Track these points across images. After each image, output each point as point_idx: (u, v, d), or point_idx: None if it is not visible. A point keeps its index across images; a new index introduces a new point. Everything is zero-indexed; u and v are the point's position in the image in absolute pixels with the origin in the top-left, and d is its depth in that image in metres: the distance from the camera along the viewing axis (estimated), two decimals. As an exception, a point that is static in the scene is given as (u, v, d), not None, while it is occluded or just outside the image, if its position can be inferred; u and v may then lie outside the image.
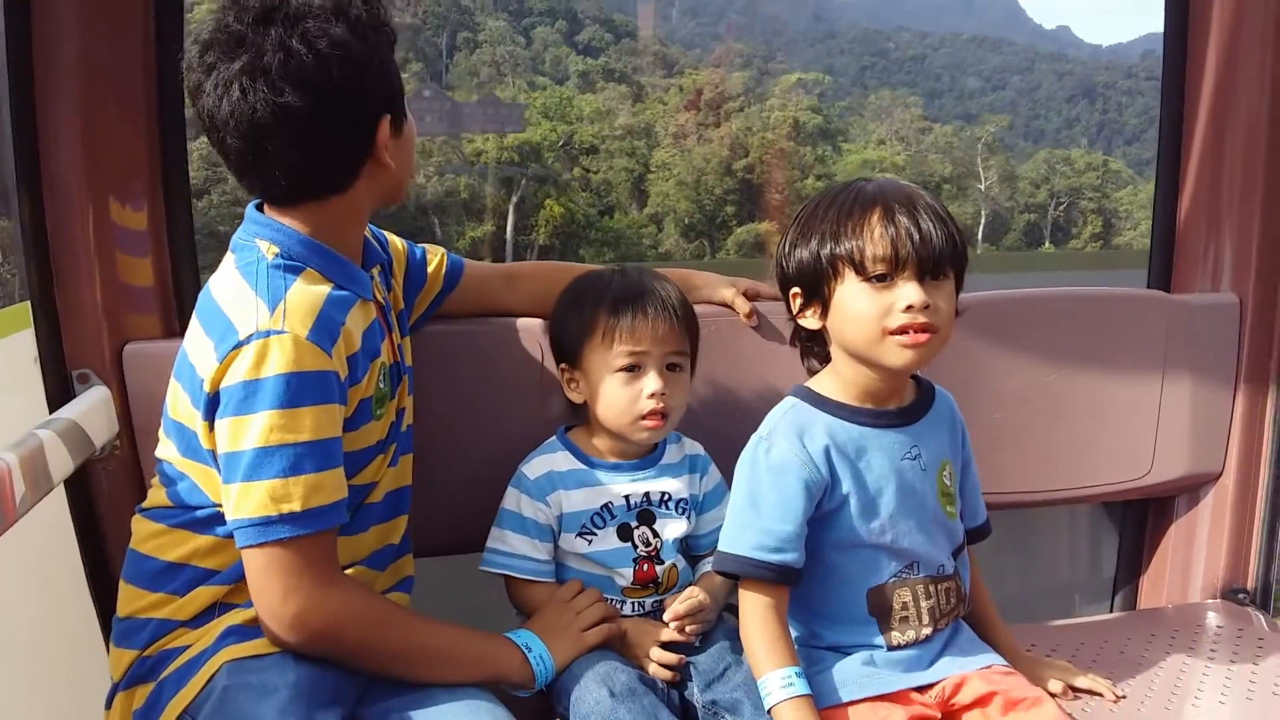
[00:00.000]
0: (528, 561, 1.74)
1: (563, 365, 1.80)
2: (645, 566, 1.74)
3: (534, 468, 1.77)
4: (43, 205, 1.85)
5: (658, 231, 51.95)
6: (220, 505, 1.46)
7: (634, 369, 1.70)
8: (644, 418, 1.70)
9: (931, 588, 1.62)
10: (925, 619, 1.61)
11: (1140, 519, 2.43)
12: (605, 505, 1.74)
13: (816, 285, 1.57)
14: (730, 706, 1.60)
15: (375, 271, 1.66)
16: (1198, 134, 2.34)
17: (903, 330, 1.50)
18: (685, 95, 57.19)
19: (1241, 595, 2.26)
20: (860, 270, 1.51)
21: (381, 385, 1.57)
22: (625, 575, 1.74)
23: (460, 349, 1.94)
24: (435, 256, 1.89)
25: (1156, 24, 2.47)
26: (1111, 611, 2.47)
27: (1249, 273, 2.30)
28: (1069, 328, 2.21)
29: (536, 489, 1.74)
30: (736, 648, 1.66)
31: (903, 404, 1.65)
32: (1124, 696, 1.80)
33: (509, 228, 47.98)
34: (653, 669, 1.65)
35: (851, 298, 1.53)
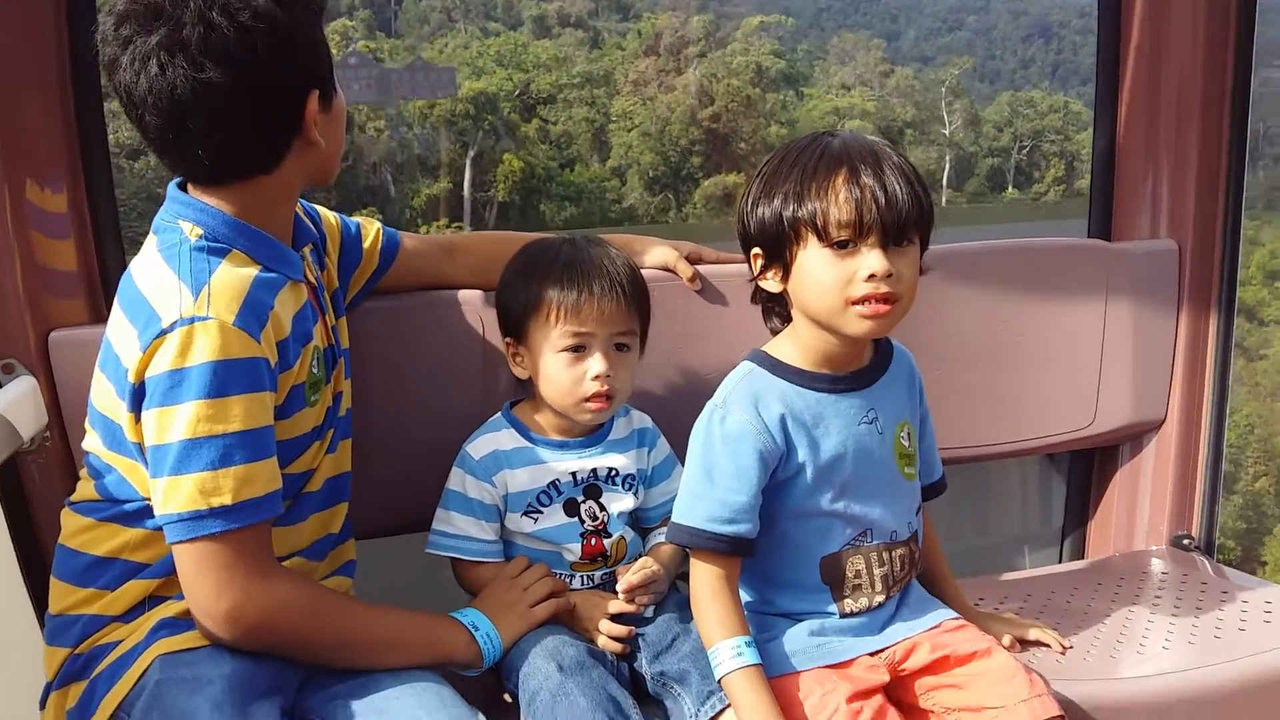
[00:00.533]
0: (475, 543, 1.72)
1: (508, 339, 1.76)
2: (593, 541, 1.73)
3: (478, 447, 1.74)
4: (-46, 191, 1.78)
5: (621, 185, 49.73)
6: (149, 499, 1.42)
7: (579, 349, 1.67)
8: (588, 399, 1.68)
9: (885, 554, 1.62)
10: (878, 586, 1.61)
11: (1086, 469, 2.46)
12: (552, 483, 1.72)
13: (778, 248, 1.53)
14: (678, 677, 1.59)
15: (307, 250, 1.61)
16: (1129, 84, 2.35)
17: (864, 300, 1.48)
18: (645, 40, 54.15)
19: (1187, 541, 2.30)
20: (822, 236, 1.48)
21: (315, 370, 1.53)
22: (573, 550, 1.73)
23: (398, 324, 1.90)
24: (370, 231, 1.83)
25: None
26: (1060, 561, 2.51)
27: (1187, 220, 2.32)
28: (1011, 280, 2.22)
29: (481, 469, 1.72)
30: (685, 618, 1.65)
31: (861, 366, 1.64)
32: (1071, 646, 1.82)
33: (466, 183, 45.29)
34: (602, 641, 1.64)
35: (812, 264, 1.50)
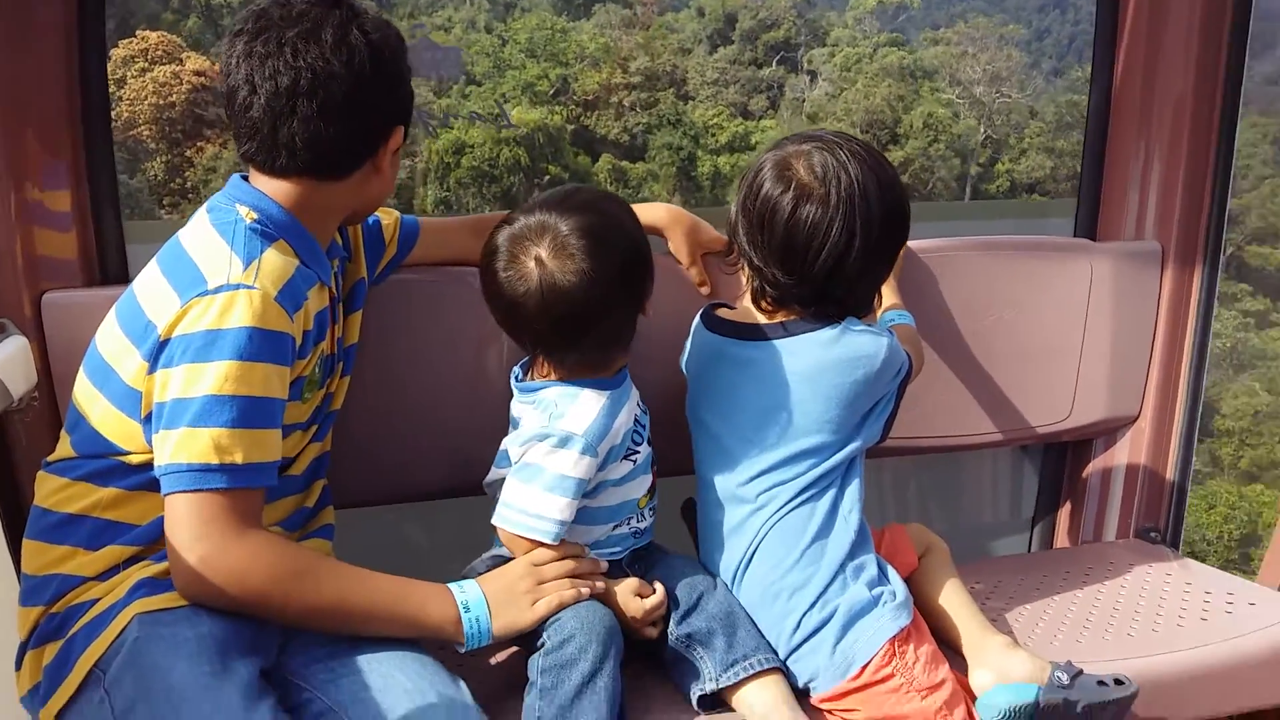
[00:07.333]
0: (560, 525, 1.60)
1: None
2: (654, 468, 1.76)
3: (595, 430, 1.60)
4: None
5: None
6: (124, 455, 1.47)
7: None
8: None
9: None
10: None
11: (1059, 461, 2.51)
12: (635, 419, 1.69)
13: None
14: (703, 639, 1.60)
15: (335, 264, 1.68)
16: (1122, 88, 2.38)
17: None
18: (708, 22, 39.11)
19: (1154, 534, 2.34)
20: None
21: (316, 371, 1.58)
22: (647, 482, 1.73)
23: (393, 299, 1.91)
24: (389, 220, 1.88)
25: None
26: (1029, 550, 2.56)
27: (1172, 222, 2.35)
28: (996, 275, 2.25)
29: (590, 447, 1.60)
30: (707, 574, 1.69)
31: None
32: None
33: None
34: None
35: None
